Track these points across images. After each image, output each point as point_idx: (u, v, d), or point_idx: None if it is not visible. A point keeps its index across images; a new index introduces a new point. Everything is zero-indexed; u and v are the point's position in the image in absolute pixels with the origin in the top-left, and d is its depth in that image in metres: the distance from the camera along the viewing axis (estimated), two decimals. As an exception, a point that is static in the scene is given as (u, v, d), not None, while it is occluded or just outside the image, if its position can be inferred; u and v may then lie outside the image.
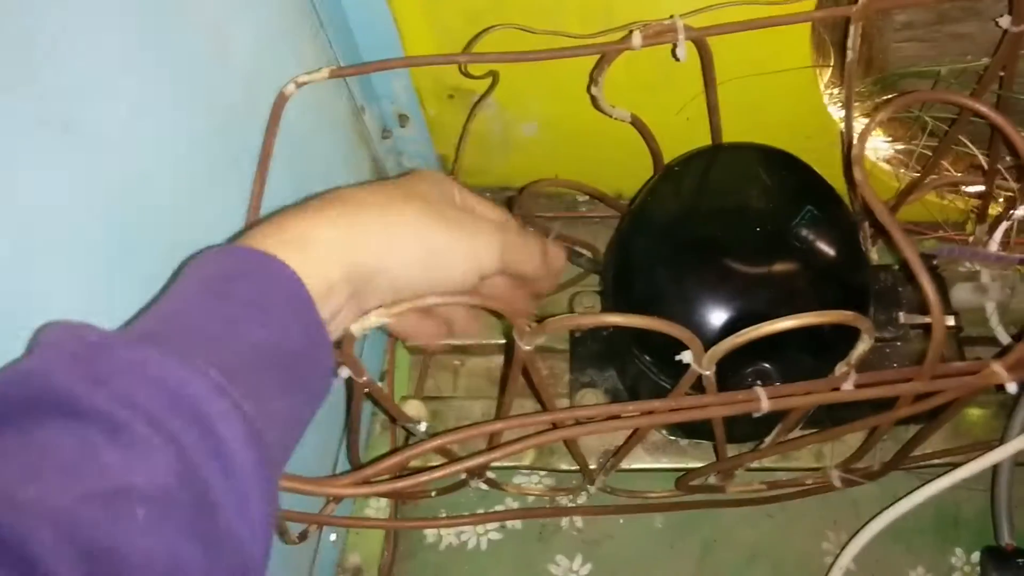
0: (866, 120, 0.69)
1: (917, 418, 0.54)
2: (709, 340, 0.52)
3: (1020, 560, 0.57)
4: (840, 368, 0.44)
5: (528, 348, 0.41)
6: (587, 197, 0.78)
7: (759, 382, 0.53)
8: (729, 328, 0.52)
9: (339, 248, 0.35)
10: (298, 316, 0.33)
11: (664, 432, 0.68)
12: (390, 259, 0.36)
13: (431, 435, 0.47)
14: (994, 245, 0.71)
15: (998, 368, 0.42)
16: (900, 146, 0.71)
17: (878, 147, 0.73)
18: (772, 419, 0.53)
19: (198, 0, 0.43)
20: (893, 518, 0.59)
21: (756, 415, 0.53)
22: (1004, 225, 0.70)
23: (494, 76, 0.57)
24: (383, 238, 0.36)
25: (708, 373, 0.42)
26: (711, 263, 0.53)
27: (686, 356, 0.42)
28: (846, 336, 0.55)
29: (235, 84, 0.48)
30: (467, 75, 0.56)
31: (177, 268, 0.44)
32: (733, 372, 0.52)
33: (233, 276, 0.33)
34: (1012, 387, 0.42)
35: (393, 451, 0.43)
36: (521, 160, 0.76)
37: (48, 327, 0.30)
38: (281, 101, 0.48)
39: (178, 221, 0.42)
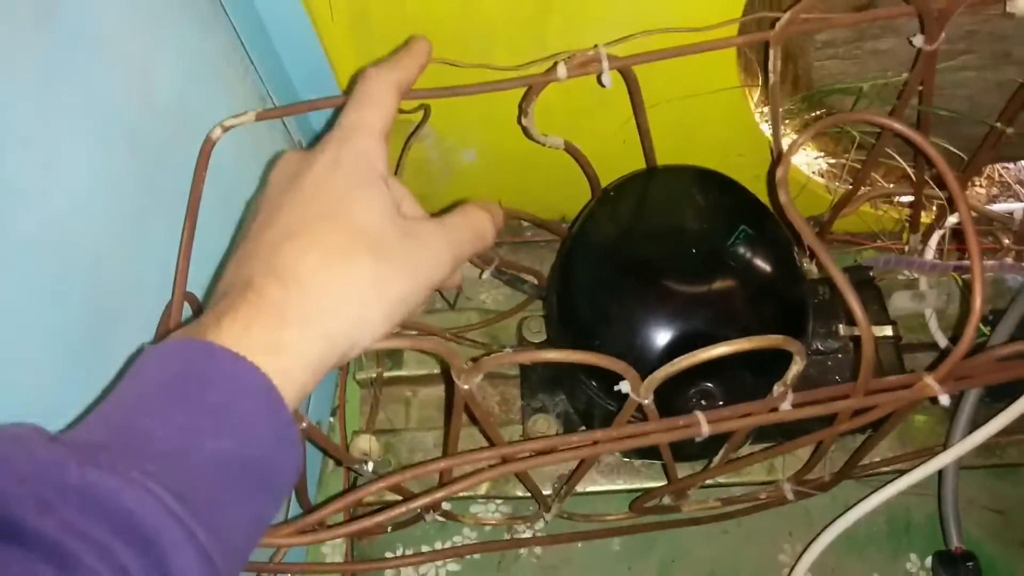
0: (797, 136, 0.71)
1: (862, 428, 0.55)
2: (651, 361, 0.53)
3: (970, 564, 0.57)
4: (777, 388, 0.45)
5: (467, 387, 0.41)
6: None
7: (703, 402, 0.53)
8: (670, 349, 0.53)
9: (314, 355, 0.33)
10: (269, 422, 0.31)
11: (618, 454, 0.68)
12: (360, 340, 0.34)
13: (379, 475, 0.47)
14: (930, 253, 0.73)
15: (930, 381, 0.43)
16: (832, 160, 0.72)
17: (811, 162, 0.74)
18: (720, 438, 0.53)
19: (119, 41, 0.42)
20: (845, 526, 0.60)
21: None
22: (938, 233, 0.72)
23: (425, 109, 0.57)
24: (354, 325, 0.34)
25: (647, 401, 0.42)
26: (649, 286, 0.53)
27: (624, 386, 0.42)
28: (786, 352, 0.56)
29: (162, 127, 0.47)
30: (399, 111, 0.56)
31: (131, 356, 0.43)
32: (677, 393, 0.52)
33: (197, 379, 0.31)
34: (944, 399, 0.43)
35: (340, 494, 0.43)
36: (463, 187, 0.76)
37: None
38: (208, 146, 0.47)
39: (102, 271, 0.41)
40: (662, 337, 0.53)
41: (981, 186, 0.78)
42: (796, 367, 0.42)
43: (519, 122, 0.54)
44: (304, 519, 0.41)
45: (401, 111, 0.57)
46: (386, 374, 0.72)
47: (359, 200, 0.36)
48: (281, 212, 0.36)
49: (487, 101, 0.60)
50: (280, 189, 0.37)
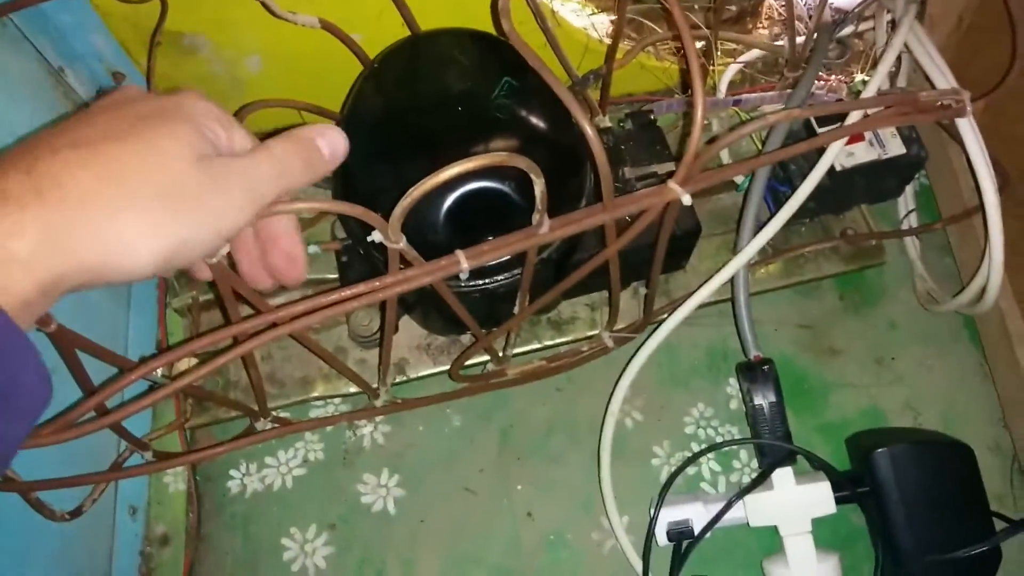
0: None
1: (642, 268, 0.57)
2: (434, 224, 0.54)
3: (765, 367, 0.61)
4: (535, 217, 0.46)
5: (213, 260, 0.40)
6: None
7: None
8: (448, 207, 0.53)
9: (47, 267, 0.30)
10: None
11: (442, 335, 0.69)
12: (117, 265, 0.31)
13: (172, 378, 0.46)
14: (722, 93, 0.75)
15: (672, 185, 0.45)
16: (614, 17, 0.73)
17: (597, 23, 0.75)
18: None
19: None
20: (649, 353, 0.62)
21: (499, 291, 0.55)
22: (728, 72, 0.75)
23: (162, 2, 0.55)
24: (108, 247, 0.31)
25: (402, 245, 0.43)
26: (418, 152, 0.53)
27: (375, 235, 0.42)
28: (568, 193, 0.57)
29: None
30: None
31: None
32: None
33: None
34: (687, 199, 0.45)
35: (106, 382, 0.42)
36: (258, 98, 0.74)
37: None
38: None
39: None
40: (439, 200, 0.53)
41: (763, 27, 0.81)
42: (538, 187, 0.43)
43: (258, -1, 0.52)
44: (57, 420, 0.40)
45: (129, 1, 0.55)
46: (202, 297, 0.71)
47: (162, 130, 0.33)
48: (79, 125, 0.33)
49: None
50: (93, 107, 0.35)
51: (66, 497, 0.54)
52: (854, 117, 0.57)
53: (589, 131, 0.42)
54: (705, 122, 0.75)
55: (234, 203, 0.35)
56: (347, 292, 0.43)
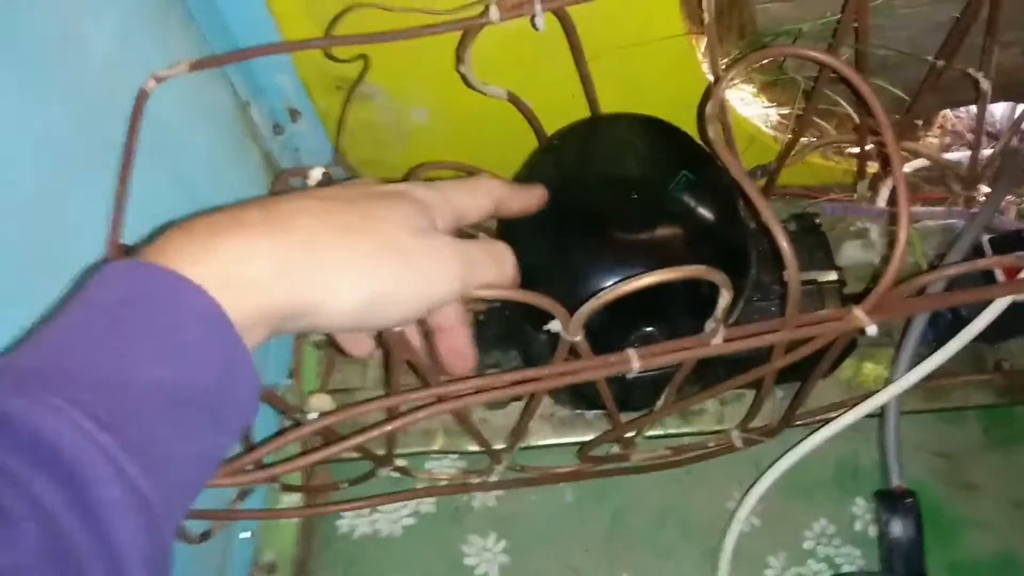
0: (746, 87, 0.71)
1: (802, 372, 0.55)
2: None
3: (908, 500, 0.58)
4: (709, 325, 0.45)
5: (397, 329, 0.41)
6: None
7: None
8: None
9: (269, 294, 0.32)
10: (217, 351, 0.30)
11: (569, 407, 0.69)
12: (323, 306, 0.33)
13: (331, 441, 0.47)
14: (881, 202, 0.73)
15: (858, 312, 0.44)
16: (785, 111, 0.73)
17: (766, 114, 0.74)
18: (664, 383, 0.54)
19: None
20: (786, 467, 0.60)
21: (635, 377, 0.54)
22: (888, 182, 0.73)
23: (365, 60, 0.57)
24: (320, 285, 0.33)
25: (578, 339, 0.43)
26: (588, 233, 0.53)
27: (554, 325, 0.42)
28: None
29: (99, 80, 0.47)
30: (333, 59, 0.56)
31: (81, 276, 0.43)
32: (618, 339, 0.52)
33: (140, 302, 0.30)
34: (872, 330, 0.43)
35: (273, 437, 0.43)
36: (418, 149, 0.76)
37: None
38: (142, 97, 0.47)
39: (35, 220, 0.41)
40: (602, 283, 0.53)
41: (934, 136, 0.79)
42: (723, 300, 0.42)
43: (457, 70, 0.54)
44: (239, 460, 0.41)
45: (335, 59, 0.57)
46: (340, 334, 0.72)
47: (386, 201, 0.37)
48: (318, 191, 0.38)
49: (432, 55, 0.60)
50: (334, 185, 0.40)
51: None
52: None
53: (786, 248, 0.41)
54: (864, 225, 0.74)
55: (446, 272, 0.37)
56: (515, 376, 0.43)
